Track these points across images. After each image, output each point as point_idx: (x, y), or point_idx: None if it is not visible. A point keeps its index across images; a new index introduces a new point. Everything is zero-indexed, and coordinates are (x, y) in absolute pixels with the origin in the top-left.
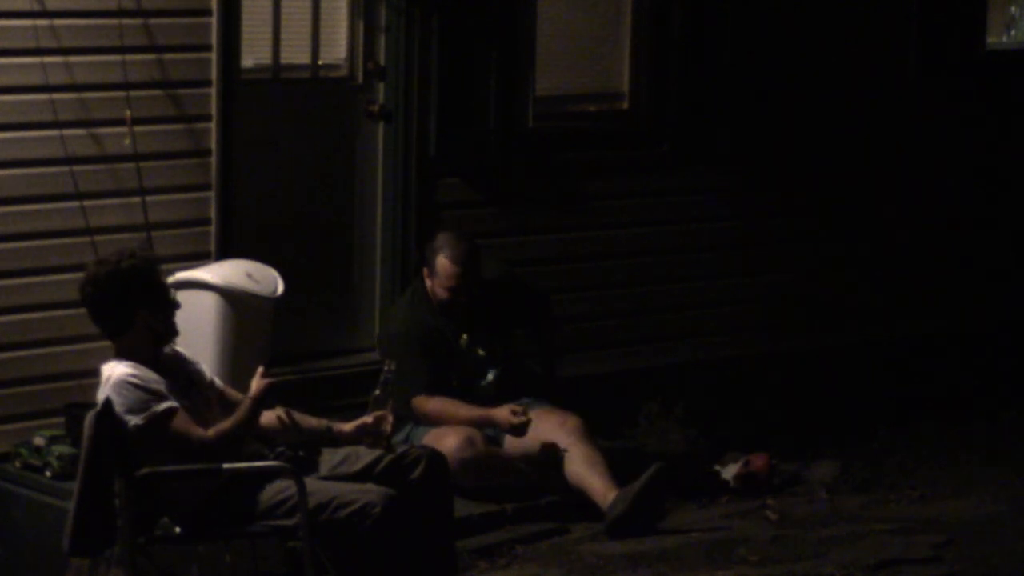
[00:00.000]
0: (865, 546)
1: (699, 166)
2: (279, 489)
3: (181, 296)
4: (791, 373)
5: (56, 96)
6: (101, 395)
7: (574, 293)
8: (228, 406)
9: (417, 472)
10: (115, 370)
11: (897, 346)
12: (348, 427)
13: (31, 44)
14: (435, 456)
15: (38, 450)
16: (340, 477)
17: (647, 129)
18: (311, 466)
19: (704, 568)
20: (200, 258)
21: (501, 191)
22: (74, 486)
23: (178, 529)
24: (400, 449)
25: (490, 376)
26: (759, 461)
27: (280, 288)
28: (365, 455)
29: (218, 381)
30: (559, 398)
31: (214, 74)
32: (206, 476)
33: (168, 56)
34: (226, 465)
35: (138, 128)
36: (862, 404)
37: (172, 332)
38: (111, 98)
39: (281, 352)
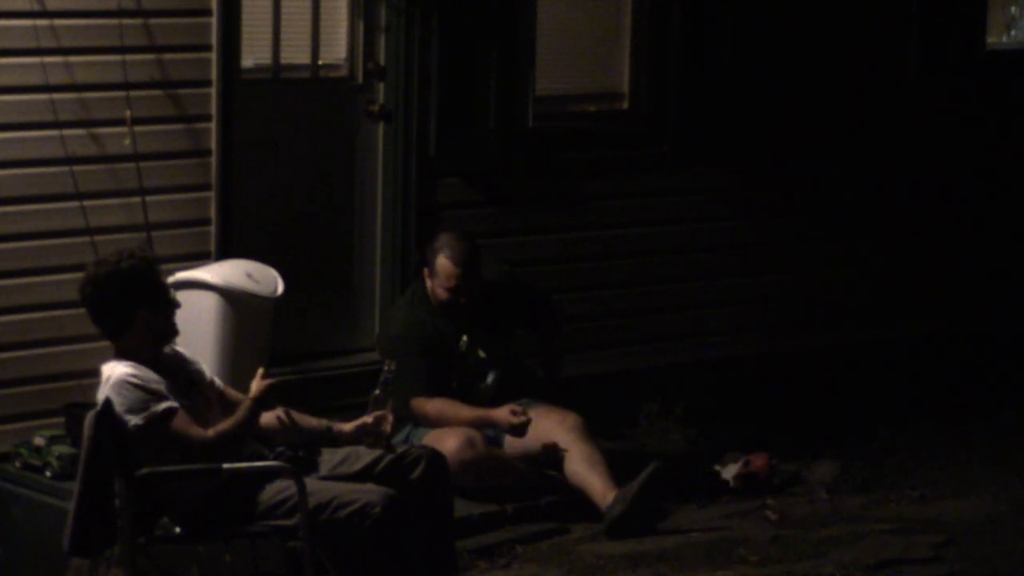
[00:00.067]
0: (865, 546)
1: (699, 166)
2: (279, 489)
3: (181, 296)
4: (791, 373)
5: (56, 96)
6: (101, 395)
7: (574, 293)
8: (228, 406)
9: (417, 472)
10: (115, 370)
11: (897, 346)
12: (348, 427)
13: (31, 44)
14: (435, 456)
15: (38, 450)
16: (340, 477)
17: (647, 129)
18: (311, 466)
19: (704, 568)
20: (200, 258)
21: (501, 191)
22: (74, 486)
23: (178, 529)
24: (400, 449)
25: (490, 378)
26: (759, 461)
27: (280, 288)
28: (365, 455)
29: (218, 381)
30: (560, 398)
31: (214, 74)
32: (206, 476)
33: (168, 56)
34: (226, 465)
35: (138, 128)
36: (862, 404)
37: (172, 332)
38: (111, 98)
39: (281, 352)
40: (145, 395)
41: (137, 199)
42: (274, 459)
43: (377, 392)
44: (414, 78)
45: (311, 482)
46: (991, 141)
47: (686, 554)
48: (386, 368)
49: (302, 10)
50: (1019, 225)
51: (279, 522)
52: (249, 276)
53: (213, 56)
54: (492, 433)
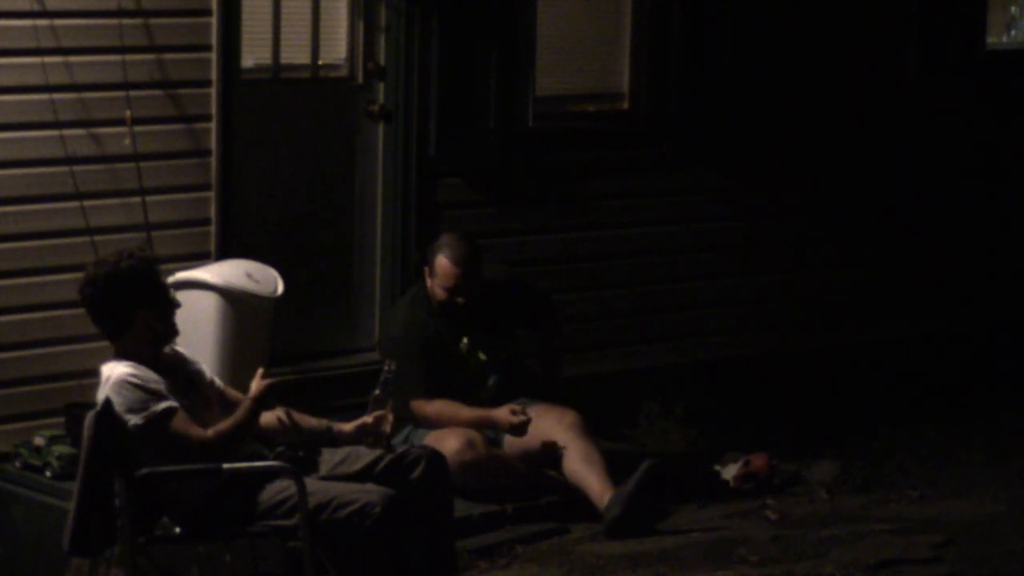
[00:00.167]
0: (865, 546)
1: (699, 166)
2: (279, 489)
3: (181, 296)
4: (791, 373)
5: (56, 96)
6: (101, 395)
7: (574, 293)
8: (228, 406)
9: (417, 472)
10: (115, 370)
11: (897, 346)
12: (348, 427)
13: (31, 44)
14: (435, 456)
15: (38, 450)
16: (340, 477)
17: (647, 129)
18: (311, 466)
19: (704, 568)
20: (200, 258)
21: (501, 191)
22: (74, 486)
23: (178, 529)
24: (400, 449)
25: (491, 381)
26: (759, 461)
27: (280, 288)
28: (365, 455)
29: (218, 381)
30: (560, 398)
31: (214, 74)
32: (206, 476)
33: (168, 56)
34: (226, 465)
35: (138, 128)
36: (862, 404)
37: (172, 332)
38: (111, 98)
39: (281, 352)
40: (145, 395)
41: (137, 199)
42: (274, 459)
43: (377, 392)
44: (414, 78)
45: (311, 482)
46: (991, 141)
47: (686, 554)
48: (386, 368)
49: (302, 10)
50: (1019, 225)
51: (279, 522)
52: (249, 276)
53: (213, 56)
54: (492, 433)
